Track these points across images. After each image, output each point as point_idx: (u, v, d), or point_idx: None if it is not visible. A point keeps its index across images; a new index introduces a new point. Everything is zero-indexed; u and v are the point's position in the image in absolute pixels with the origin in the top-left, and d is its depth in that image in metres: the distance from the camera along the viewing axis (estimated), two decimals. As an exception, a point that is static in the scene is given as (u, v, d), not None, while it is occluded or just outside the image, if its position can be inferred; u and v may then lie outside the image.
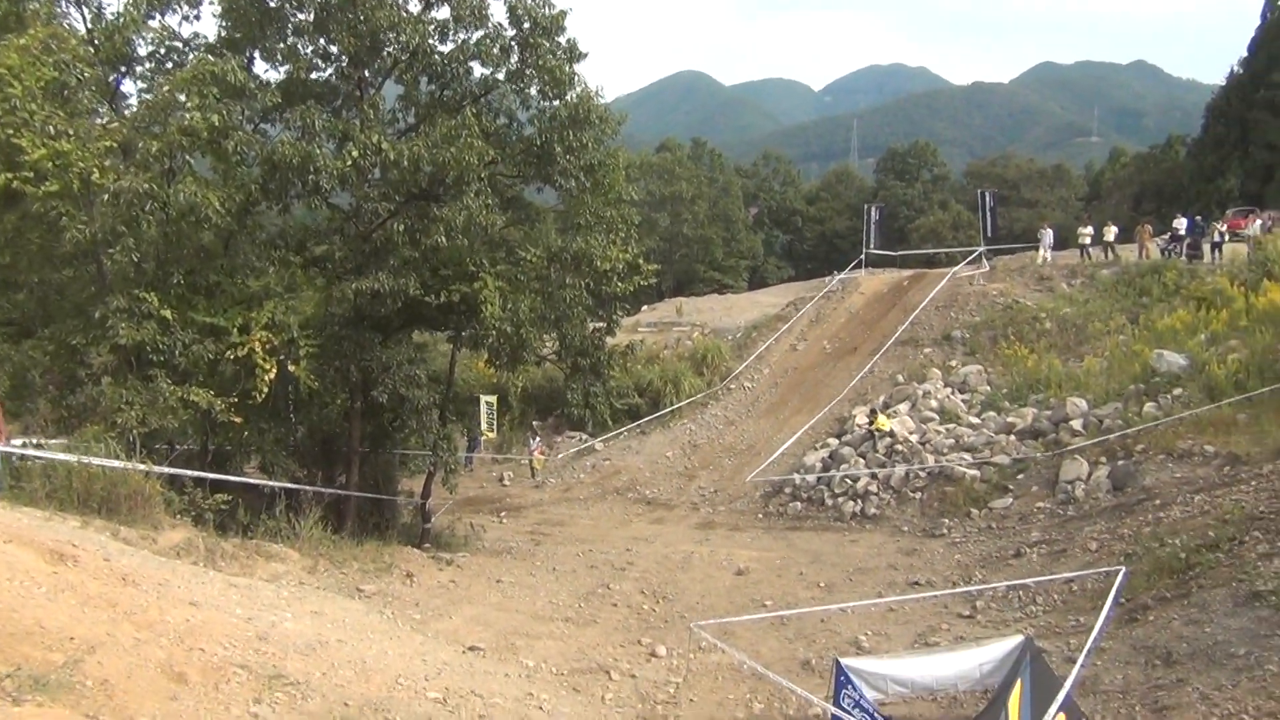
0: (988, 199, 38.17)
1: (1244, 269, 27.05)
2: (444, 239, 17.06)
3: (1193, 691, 10.72)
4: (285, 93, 17.92)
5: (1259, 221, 35.89)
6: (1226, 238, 32.92)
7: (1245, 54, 68.15)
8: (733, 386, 32.12)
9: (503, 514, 25.80)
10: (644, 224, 58.30)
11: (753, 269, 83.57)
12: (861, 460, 24.06)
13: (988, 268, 35.11)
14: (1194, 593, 13.21)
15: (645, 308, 49.27)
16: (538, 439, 30.00)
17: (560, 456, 30.11)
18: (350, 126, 17.25)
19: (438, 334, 22.63)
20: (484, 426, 26.77)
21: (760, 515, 24.07)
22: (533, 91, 19.30)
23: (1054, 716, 9.90)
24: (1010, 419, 23.59)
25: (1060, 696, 9.83)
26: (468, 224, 17.19)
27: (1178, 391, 20.92)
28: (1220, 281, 26.56)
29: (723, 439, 29.31)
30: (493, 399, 26.89)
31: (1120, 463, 19.39)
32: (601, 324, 20.76)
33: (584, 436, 30.66)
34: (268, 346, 15.99)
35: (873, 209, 41.71)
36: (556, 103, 18.89)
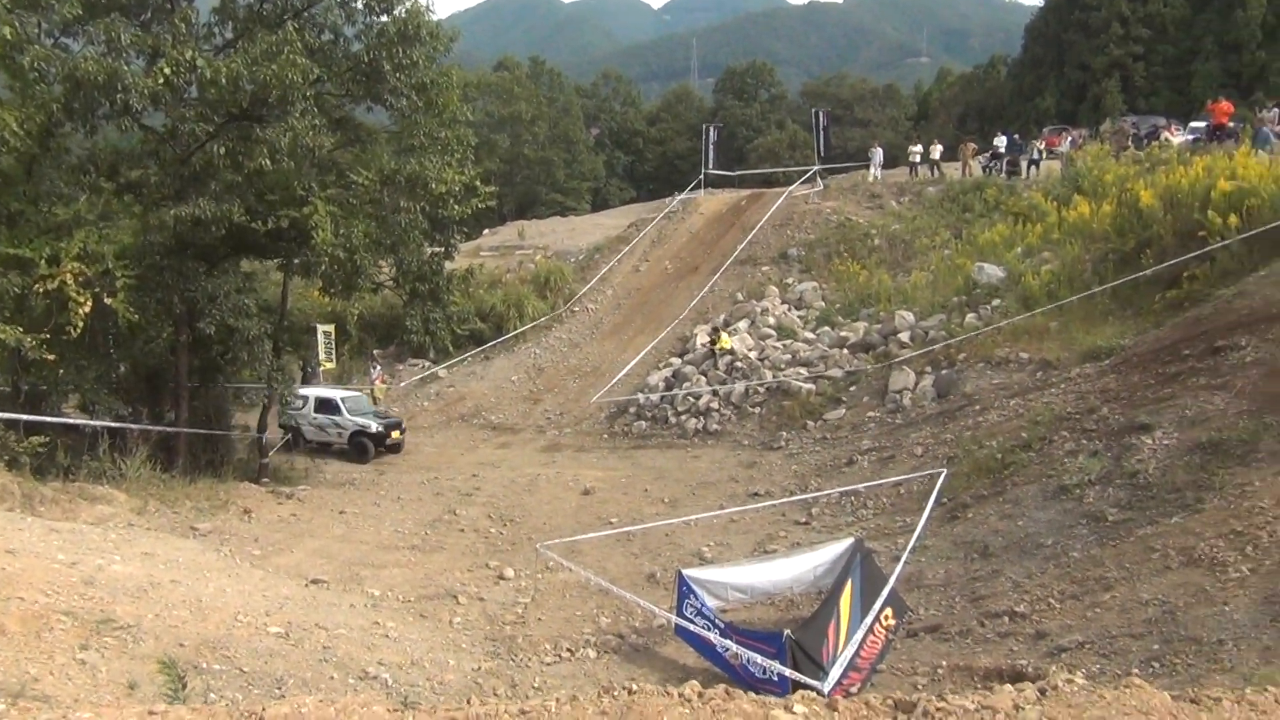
0: (821, 119, 38.90)
1: (1057, 185, 28.51)
2: (269, 162, 16.29)
3: (1006, 580, 11.54)
4: (87, 4, 16.56)
5: (1069, 139, 37.81)
6: (1043, 155, 34.60)
7: (1062, -24, 71.05)
8: (576, 309, 32.17)
9: (345, 445, 25.32)
10: (482, 145, 57.03)
11: (595, 191, 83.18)
12: (703, 378, 24.57)
13: (822, 186, 35.92)
14: (1008, 490, 14.15)
15: (486, 231, 48.62)
16: (378, 368, 29.41)
17: (402, 385, 29.66)
18: (161, 41, 16.18)
19: (268, 262, 21.79)
20: (322, 357, 26.07)
21: (606, 435, 24.38)
22: (359, 5, 18.49)
23: (881, 611, 10.51)
24: (843, 333, 24.47)
25: (884, 592, 10.44)
26: (294, 146, 16.44)
27: (996, 302, 22.08)
28: (1035, 197, 27.97)
29: (567, 361, 29.41)
30: (330, 328, 26.16)
31: (944, 372, 20.41)
32: (439, 248, 20.38)
33: (426, 364, 30.27)
34: (81, 278, 15.09)
35: (711, 129, 41.93)
36: (384, 18, 18.16)
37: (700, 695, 4.13)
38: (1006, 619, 10.48)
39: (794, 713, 3.89)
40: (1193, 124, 37.06)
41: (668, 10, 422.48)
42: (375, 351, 31.26)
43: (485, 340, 30.36)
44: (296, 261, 18.93)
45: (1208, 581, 9.34)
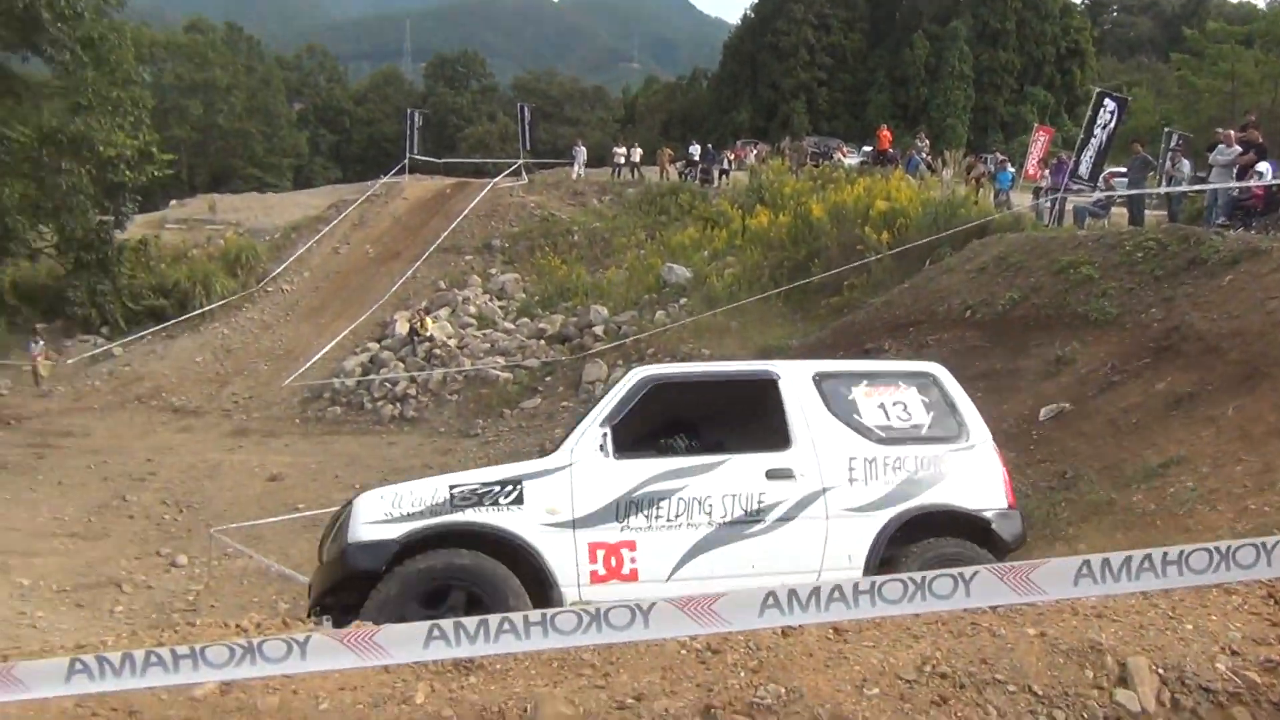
0: (526, 113, 39.45)
1: (743, 194, 30.48)
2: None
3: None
4: None
5: (754, 152, 40.62)
6: (733, 166, 36.90)
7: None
8: (270, 289, 30.72)
9: (-5, 426, 22.92)
10: (171, 111, 53.26)
11: (298, 168, 79.17)
12: (401, 364, 24.34)
13: (526, 180, 36.42)
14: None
15: (174, 202, 45.21)
16: (40, 342, 26.74)
17: (70, 362, 27.18)
18: None
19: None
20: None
21: (298, 420, 23.56)
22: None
23: None
24: (542, 325, 25.05)
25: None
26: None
27: (683, 301, 23.40)
28: (723, 204, 29.78)
29: (259, 343, 28.08)
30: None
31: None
32: (109, 216, 18.86)
33: (99, 340, 27.83)
34: None
35: (415, 114, 41.38)
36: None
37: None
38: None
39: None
40: (864, 148, 40.75)
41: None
42: (38, 325, 28.35)
43: (167, 317, 28.27)
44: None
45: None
